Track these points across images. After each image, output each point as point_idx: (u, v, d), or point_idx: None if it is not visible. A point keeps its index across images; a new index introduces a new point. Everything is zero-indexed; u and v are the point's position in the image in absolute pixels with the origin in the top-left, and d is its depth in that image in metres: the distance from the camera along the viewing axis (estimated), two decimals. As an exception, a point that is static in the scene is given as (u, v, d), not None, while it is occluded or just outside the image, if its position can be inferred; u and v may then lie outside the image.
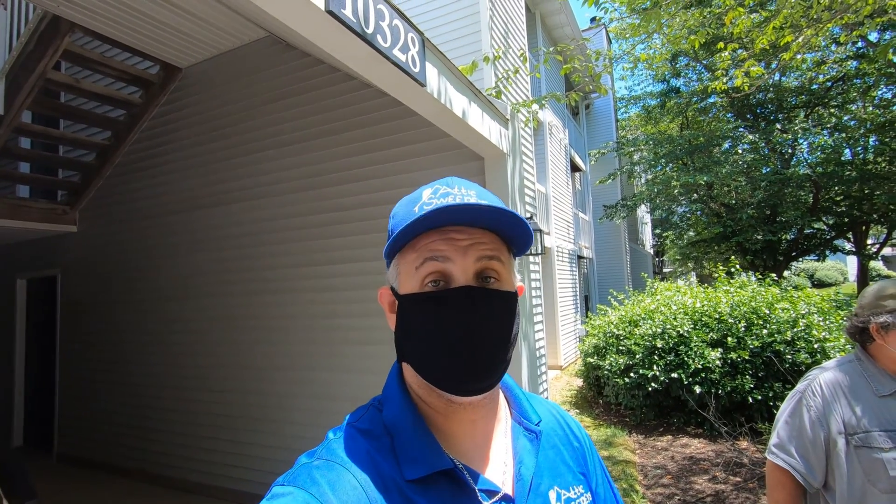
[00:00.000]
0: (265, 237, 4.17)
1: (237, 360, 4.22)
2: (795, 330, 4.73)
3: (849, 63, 10.52)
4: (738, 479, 3.80)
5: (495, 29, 5.12)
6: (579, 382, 7.53)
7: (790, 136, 10.65)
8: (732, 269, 6.50)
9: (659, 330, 5.31)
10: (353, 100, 3.82)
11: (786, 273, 15.80)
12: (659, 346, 5.16)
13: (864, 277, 12.95)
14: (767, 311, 4.97)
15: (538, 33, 9.54)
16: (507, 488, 0.59)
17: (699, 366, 4.78)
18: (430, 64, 2.47)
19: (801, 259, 14.09)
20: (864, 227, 12.26)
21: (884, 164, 10.57)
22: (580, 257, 11.91)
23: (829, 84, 11.27)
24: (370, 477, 0.54)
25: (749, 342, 4.77)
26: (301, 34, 1.81)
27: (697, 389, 4.69)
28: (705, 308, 5.36)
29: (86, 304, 5.37)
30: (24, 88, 4.02)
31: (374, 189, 3.73)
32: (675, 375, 4.87)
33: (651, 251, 22.51)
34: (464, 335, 0.56)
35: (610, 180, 12.91)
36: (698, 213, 13.47)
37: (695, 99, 12.59)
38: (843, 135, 10.59)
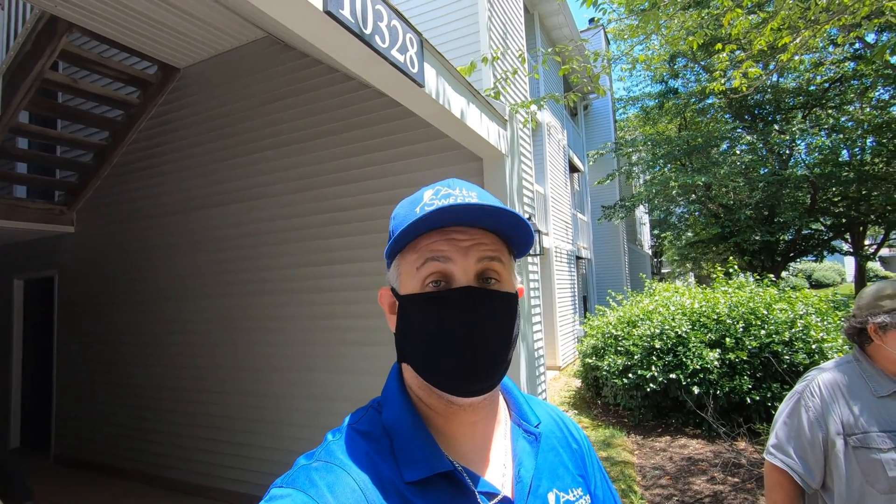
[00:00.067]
0: (263, 238, 4.16)
1: (235, 361, 4.21)
2: (793, 330, 4.74)
3: (846, 64, 10.56)
4: (736, 479, 3.80)
5: (494, 30, 5.13)
6: (578, 383, 7.53)
7: (788, 137, 10.69)
8: (731, 270, 6.50)
9: (657, 331, 5.32)
10: (352, 100, 3.82)
11: (784, 274, 15.84)
12: (657, 346, 5.17)
13: (862, 278, 12.99)
14: (765, 312, 4.98)
15: (537, 34, 9.55)
16: (506, 490, 0.59)
17: (697, 366, 4.78)
18: (429, 65, 2.47)
19: (798, 260, 14.14)
20: (861, 228, 12.30)
21: (881, 165, 10.61)
22: (578, 258, 11.92)
23: (826, 85, 11.30)
24: (369, 479, 0.54)
25: (747, 343, 4.78)
26: (299, 35, 1.81)
27: (696, 390, 4.70)
28: (703, 309, 5.37)
29: (83, 304, 5.35)
30: (22, 88, 4.01)
31: (373, 189, 3.73)
32: (673, 376, 4.88)
33: (649, 252, 22.54)
34: (465, 336, 0.56)
35: (608, 181, 12.92)
36: (696, 213, 13.50)
37: (693, 100, 12.62)
38: (841, 136, 10.62)
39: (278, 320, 4.04)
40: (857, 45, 10.31)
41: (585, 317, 7.93)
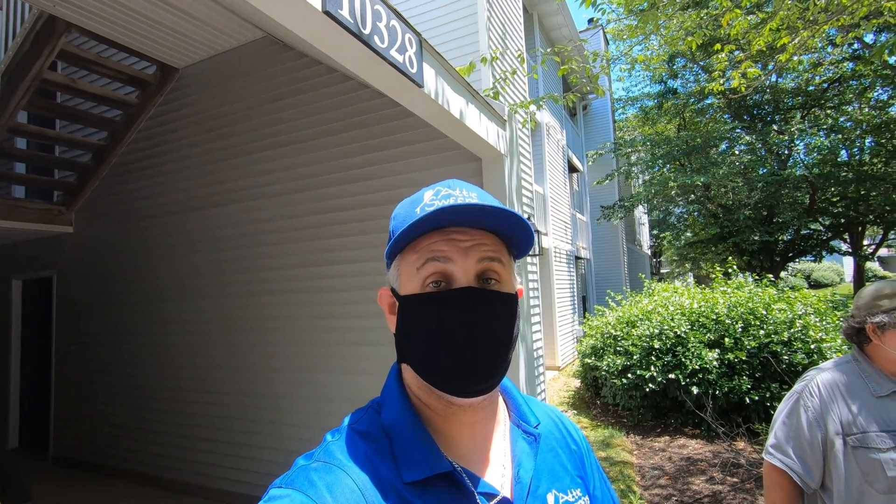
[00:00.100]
0: (263, 238, 4.16)
1: (234, 361, 4.21)
2: (792, 331, 4.74)
3: (845, 65, 10.58)
4: (735, 479, 3.80)
5: (493, 30, 5.13)
6: (577, 383, 7.53)
7: (787, 138, 10.71)
8: (730, 270, 6.51)
9: (656, 331, 5.32)
10: (351, 100, 3.82)
11: (782, 274, 15.86)
12: (656, 346, 5.17)
13: (861, 278, 13.02)
14: (764, 312, 4.98)
15: (536, 34, 9.56)
16: (505, 491, 0.59)
17: (696, 366, 4.79)
18: (428, 65, 2.47)
19: (797, 260, 14.16)
20: (860, 228, 12.33)
21: (880, 166, 10.63)
22: (578, 258, 11.92)
23: (825, 85, 11.33)
24: (368, 479, 0.54)
25: (746, 343, 4.79)
26: (298, 35, 1.81)
27: (695, 390, 4.70)
28: (702, 309, 5.38)
29: (82, 305, 5.34)
30: (20, 88, 4.00)
31: (372, 190, 3.73)
32: (672, 376, 4.88)
33: (648, 252, 22.56)
34: (465, 336, 0.56)
35: (607, 181, 12.93)
36: (695, 213, 13.52)
37: (692, 100, 12.63)
38: (840, 136, 10.65)
39: (277, 320, 4.04)
40: (855, 46, 10.33)
41: (584, 317, 7.94)
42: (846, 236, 12.73)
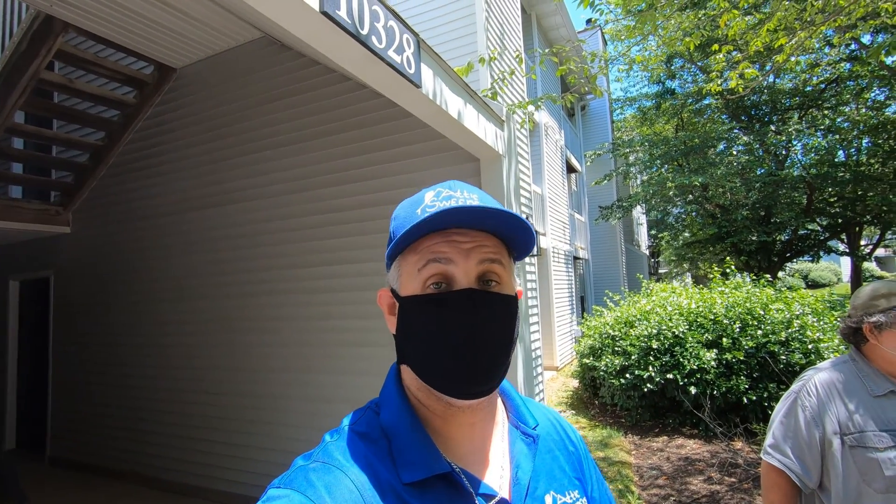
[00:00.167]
0: (260, 238, 4.15)
1: (232, 361, 4.20)
2: (790, 331, 4.75)
3: (842, 65, 10.61)
4: (733, 479, 3.81)
5: (491, 30, 5.13)
6: (575, 383, 7.54)
7: (784, 138, 10.73)
8: (727, 270, 6.53)
9: (654, 331, 5.33)
10: (349, 101, 3.81)
11: (780, 274, 15.89)
12: (654, 346, 5.18)
13: (858, 278, 13.06)
14: (762, 312, 4.99)
15: (534, 35, 9.56)
16: (503, 492, 0.59)
17: (694, 366, 4.80)
18: (426, 65, 2.47)
19: (795, 260, 14.19)
20: (857, 229, 12.37)
21: (877, 166, 10.67)
22: (576, 258, 11.93)
23: (822, 86, 11.36)
24: (367, 480, 0.53)
25: (744, 343, 4.80)
26: (296, 35, 1.81)
27: (693, 390, 4.71)
28: (700, 309, 5.38)
29: (79, 305, 5.33)
30: (17, 88, 3.99)
31: (370, 190, 3.73)
32: (670, 376, 4.89)
33: (647, 252, 22.59)
34: (466, 338, 0.56)
35: (606, 181, 12.94)
36: (693, 214, 13.55)
37: (690, 100, 12.66)
38: (837, 136, 10.68)
39: (275, 321, 4.03)
40: (852, 47, 10.36)
41: (583, 317, 7.95)
42: (843, 236, 12.77)
